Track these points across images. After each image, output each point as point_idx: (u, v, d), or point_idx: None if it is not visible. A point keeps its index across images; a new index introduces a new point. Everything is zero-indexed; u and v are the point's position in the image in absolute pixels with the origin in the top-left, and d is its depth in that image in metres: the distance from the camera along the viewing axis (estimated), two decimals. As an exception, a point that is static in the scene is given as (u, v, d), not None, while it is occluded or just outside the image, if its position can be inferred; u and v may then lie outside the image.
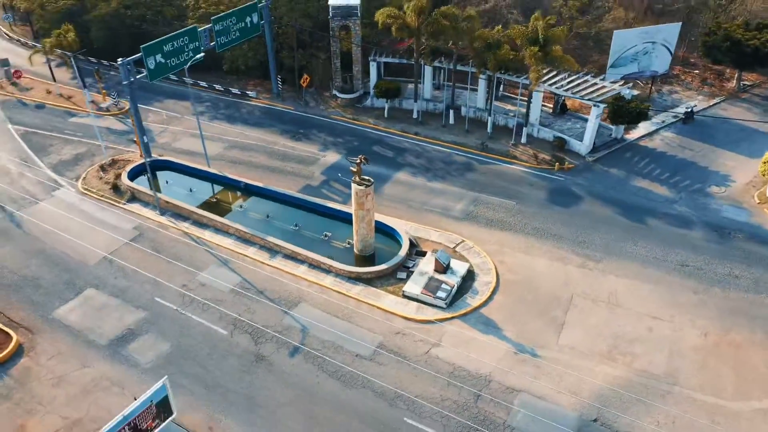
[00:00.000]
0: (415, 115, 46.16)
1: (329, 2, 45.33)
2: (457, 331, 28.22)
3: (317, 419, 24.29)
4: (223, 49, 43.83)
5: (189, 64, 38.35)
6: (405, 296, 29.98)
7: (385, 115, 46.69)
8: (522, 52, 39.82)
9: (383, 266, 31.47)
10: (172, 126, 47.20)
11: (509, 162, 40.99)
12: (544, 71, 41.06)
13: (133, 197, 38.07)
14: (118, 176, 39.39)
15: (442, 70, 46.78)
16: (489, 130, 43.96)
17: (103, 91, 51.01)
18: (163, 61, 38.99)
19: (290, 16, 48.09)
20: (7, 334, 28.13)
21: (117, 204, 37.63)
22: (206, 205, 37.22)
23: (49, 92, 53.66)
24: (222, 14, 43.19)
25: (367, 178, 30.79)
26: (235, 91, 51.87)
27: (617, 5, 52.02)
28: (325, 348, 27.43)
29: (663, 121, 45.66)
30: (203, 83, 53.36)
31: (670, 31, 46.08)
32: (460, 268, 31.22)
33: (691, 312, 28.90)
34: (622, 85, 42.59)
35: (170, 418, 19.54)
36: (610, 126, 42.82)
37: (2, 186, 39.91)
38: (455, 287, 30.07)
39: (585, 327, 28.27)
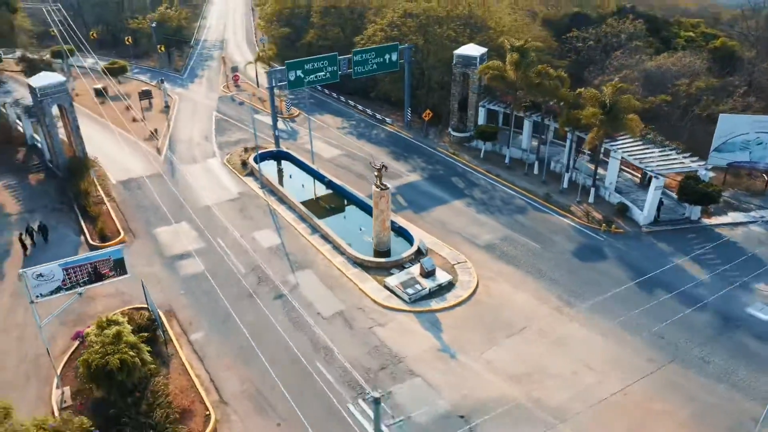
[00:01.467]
0: (506, 161, 50.15)
1: (455, 51, 52.25)
2: (405, 321, 32.65)
3: (259, 339, 31.18)
4: (358, 76, 53.50)
5: (306, 85, 48.58)
6: (384, 285, 35.20)
7: (482, 155, 51.51)
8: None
9: (382, 260, 37.14)
10: (317, 132, 58.14)
11: (563, 215, 42.85)
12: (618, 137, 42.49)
13: (251, 173, 49.26)
14: (249, 157, 51.18)
15: (539, 124, 50.07)
16: (564, 185, 46.02)
17: (282, 99, 64.59)
18: (302, 75, 49.93)
19: (429, 62, 56.03)
20: (120, 234, 40.45)
21: (238, 175, 49.16)
22: (292, 189, 46.56)
23: (253, 94, 69.49)
24: (362, 48, 53.10)
25: (384, 183, 36.94)
26: (378, 116, 61.35)
27: (747, 92, 49.36)
28: (300, 302, 34.15)
29: (762, 216, 42.67)
30: (360, 106, 64.03)
31: (793, 124, 43.18)
32: (442, 278, 35.35)
33: (630, 373, 28.99)
34: (701, 165, 41.48)
35: (124, 276, 28.26)
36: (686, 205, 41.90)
37: (182, 149, 54.56)
38: (426, 290, 34.38)
39: (515, 352, 30.42)
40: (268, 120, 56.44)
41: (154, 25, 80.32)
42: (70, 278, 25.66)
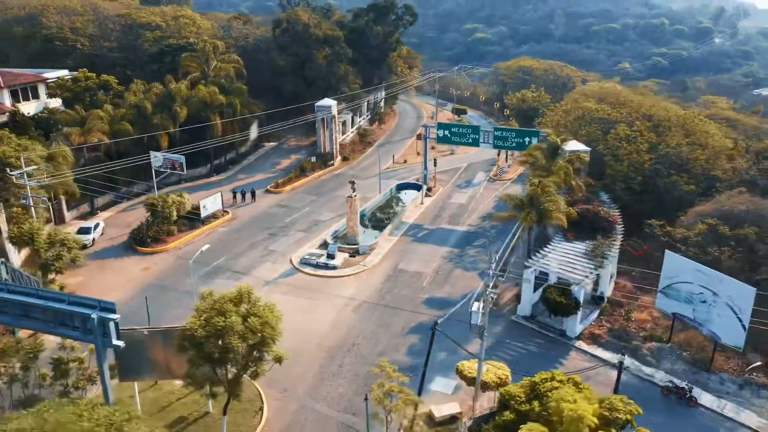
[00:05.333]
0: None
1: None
2: (282, 265, 49.92)
3: (240, 240, 54.54)
4: (497, 147, 64.62)
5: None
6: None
7: (535, 236, 55.58)
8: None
9: (332, 243, 53.40)
10: (482, 189, 71.04)
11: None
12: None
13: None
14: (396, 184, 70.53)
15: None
16: (536, 272, 48.05)
17: (499, 163, 77.95)
18: (448, 135, 65.92)
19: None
20: (286, 188, 68.62)
21: (388, 189, 69.50)
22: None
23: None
24: (505, 128, 63.96)
25: (355, 194, 52.73)
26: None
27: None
28: (274, 240, 55.06)
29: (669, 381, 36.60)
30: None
31: (737, 291, 34.56)
32: (334, 262, 49.69)
33: (329, 338, 39.41)
34: (581, 279, 38.85)
35: (183, 173, 55.79)
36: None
37: (400, 173, 77.77)
38: (315, 262, 49.79)
39: (296, 304, 43.95)
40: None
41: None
42: (165, 164, 56.31)
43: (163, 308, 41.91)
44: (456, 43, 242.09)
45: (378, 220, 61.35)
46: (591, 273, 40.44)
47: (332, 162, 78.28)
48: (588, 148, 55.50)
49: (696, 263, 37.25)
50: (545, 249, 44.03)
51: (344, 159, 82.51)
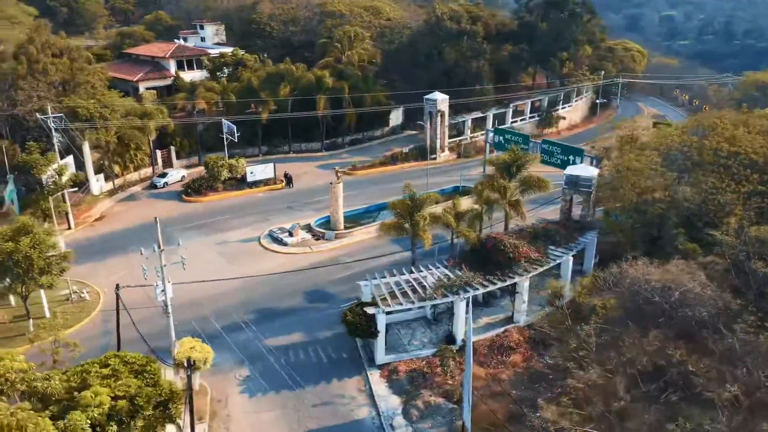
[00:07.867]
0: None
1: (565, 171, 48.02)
2: (253, 234, 55.11)
3: (247, 207, 61.95)
4: (542, 162, 56.59)
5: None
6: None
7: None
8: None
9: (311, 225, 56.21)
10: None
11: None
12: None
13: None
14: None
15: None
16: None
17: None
18: (502, 141, 60.58)
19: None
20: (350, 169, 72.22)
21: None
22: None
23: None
24: (553, 141, 55.65)
25: (338, 182, 54.24)
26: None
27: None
28: (283, 213, 60.35)
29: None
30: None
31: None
32: (291, 239, 52.97)
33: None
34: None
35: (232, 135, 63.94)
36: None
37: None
38: (276, 237, 53.77)
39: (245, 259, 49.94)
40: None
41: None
42: (228, 131, 66.01)
43: (129, 242, 52.21)
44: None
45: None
46: (412, 304, 36.15)
47: (434, 156, 77.92)
48: (593, 175, 45.97)
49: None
50: (413, 268, 40.13)
51: (459, 155, 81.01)
